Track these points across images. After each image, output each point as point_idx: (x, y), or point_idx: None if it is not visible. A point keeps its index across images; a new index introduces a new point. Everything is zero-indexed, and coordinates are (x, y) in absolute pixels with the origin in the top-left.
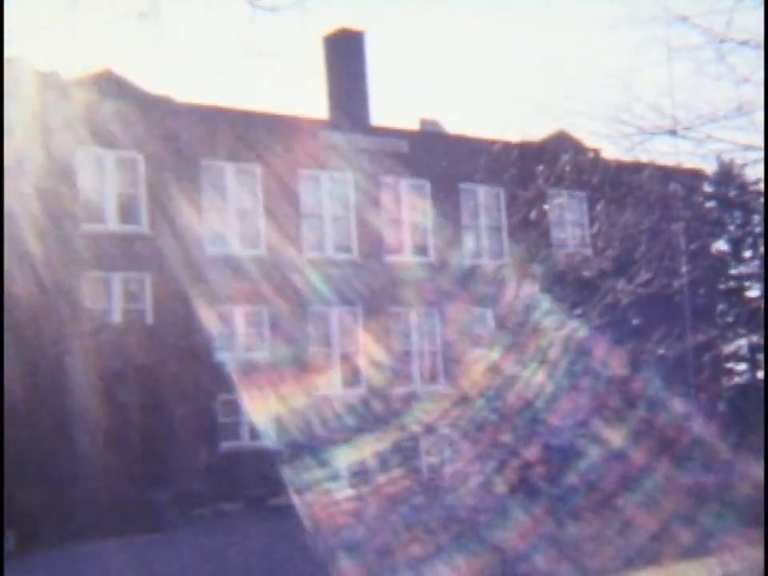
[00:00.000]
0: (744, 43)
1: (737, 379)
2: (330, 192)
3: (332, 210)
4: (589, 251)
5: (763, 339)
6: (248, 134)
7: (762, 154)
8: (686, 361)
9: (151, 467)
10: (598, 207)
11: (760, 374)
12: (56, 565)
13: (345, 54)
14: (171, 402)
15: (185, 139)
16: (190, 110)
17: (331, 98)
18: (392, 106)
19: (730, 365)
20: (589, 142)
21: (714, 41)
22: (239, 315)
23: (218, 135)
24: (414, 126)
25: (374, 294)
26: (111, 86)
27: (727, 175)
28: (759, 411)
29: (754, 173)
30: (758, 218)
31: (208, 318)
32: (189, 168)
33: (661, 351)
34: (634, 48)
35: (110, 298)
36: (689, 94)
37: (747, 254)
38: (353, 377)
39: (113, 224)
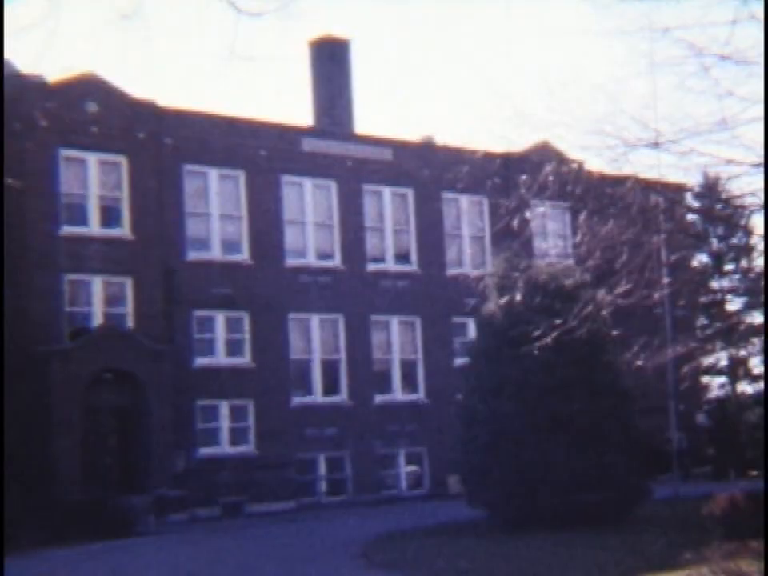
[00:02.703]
0: (726, 58)
1: (716, 393)
2: (312, 199)
3: (315, 217)
4: (571, 261)
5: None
6: (232, 139)
7: (744, 168)
8: (665, 373)
9: (128, 472)
10: (580, 218)
11: (739, 388)
12: (32, 569)
13: (330, 60)
14: (149, 406)
15: (168, 143)
16: (173, 114)
17: (315, 104)
18: (377, 114)
19: (708, 378)
20: (572, 152)
21: (696, 54)
22: (220, 320)
23: (202, 140)
24: (398, 134)
25: (355, 301)
26: (94, 88)
27: (710, 189)
28: (738, 425)
29: (737, 187)
30: (740, 233)
31: (188, 323)
32: (171, 172)
33: (640, 363)
34: (618, 60)
35: (89, 302)
36: (672, 107)
37: (728, 267)
38: (333, 384)
39: (94, 227)
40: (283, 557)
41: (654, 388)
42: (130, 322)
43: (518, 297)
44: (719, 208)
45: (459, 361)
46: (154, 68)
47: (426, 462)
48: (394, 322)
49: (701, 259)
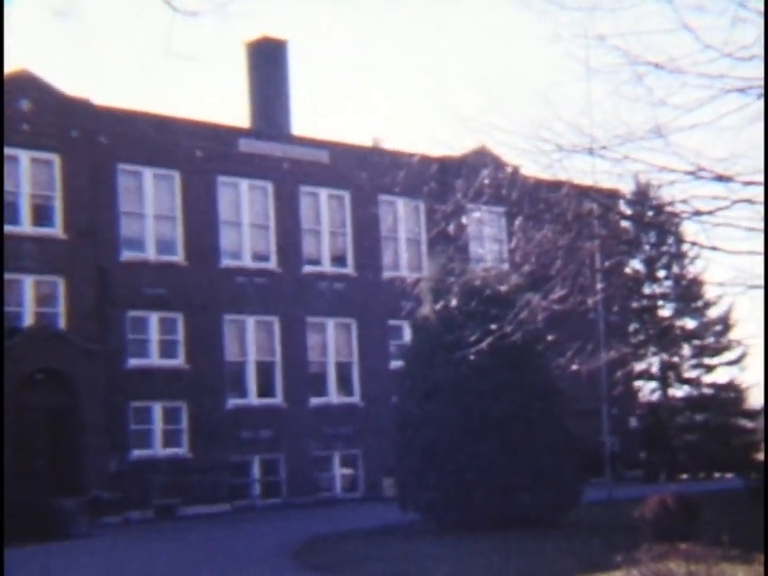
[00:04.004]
0: (660, 66)
1: (648, 397)
2: (248, 200)
3: (251, 219)
4: (506, 266)
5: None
6: (167, 138)
7: (677, 176)
8: (598, 378)
9: (60, 474)
10: (516, 223)
11: (670, 392)
12: None
13: (267, 61)
14: (81, 407)
15: (102, 142)
16: (108, 112)
17: (252, 105)
18: (316, 117)
19: (640, 382)
20: (509, 157)
21: (631, 62)
22: (154, 321)
23: (137, 139)
24: (336, 137)
25: (291, 303)
26: (27, 85)
27: (643, 196)
28: (669, 428)
29: (670, 194)
30: (672, 240)
31: (122, 323)
32: (106, 171)
33: (574, 368)
34: (556, 65)
35: (21, 301)
36: (607, 114)
37: (661, 273)
38: (268, 386)
39: (27, 225)
40: (217, 560)
41: (588, 392)
42: (63, 322)
43: (453, 301)
44: (652, 215)
45: (395, 364)
46: (89, 66)
47: (362, 464)
48: (330, 324)
49: (634, 265)
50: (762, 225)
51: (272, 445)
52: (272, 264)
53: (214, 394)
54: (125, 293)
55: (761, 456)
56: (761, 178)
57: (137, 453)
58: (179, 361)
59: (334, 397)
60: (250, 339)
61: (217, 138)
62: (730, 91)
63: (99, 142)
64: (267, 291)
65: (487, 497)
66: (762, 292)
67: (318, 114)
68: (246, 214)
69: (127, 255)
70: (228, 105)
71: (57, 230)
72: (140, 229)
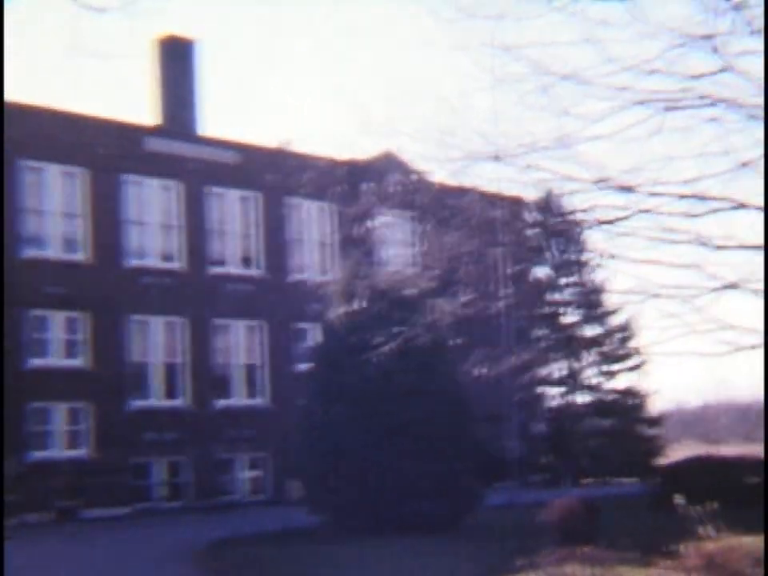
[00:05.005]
0: (566, 77)
1: (552, 402)
2: (155, 199)
3: (157, 218)
4: (414, 271)
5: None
6: (72, 135)
7: (582, 185)
8: (503, 383)
9: None
10: (423, 228)
11: (574, 398)
12: None
13: (175, 60)
14: None
15: (5, 137)
16: (12, 108)
17: (160, 104)
18: (224, 117)
19: (544, 388)
20: (417, 163)
21: (537, 72)
22: (56, 321)
23: (40, 135)
24: (247, 137)
25: (198, 304)
26: None
27: (548, 203)
28: (573, 434)
29: (573, 203)
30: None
31: (22, 322)
32: (8, 167)
33: (479, 373)
34: (464, 74)
35: None
36: (514, 123)
37: (565, 280)
38: (173, 388)
39: None
40: (116, 563)
41: (494, 397)
42: None
43: (361, 304)
44: (556, 223)
45: (302, 366)
46: None
47: (268, 467)
48: (237, 326)
49: (539, 272)
50: (662, 235)
51: (176, 447)
52: (179, 265)
53: (117, 395)
54: (26, 292)
55: (660, 461)
56: (662, 189)
57: (37, 454)
58: (82, 361)
59: (240, 399)
60: (156, 340)
61: (124, 137)
62: (633, 104)
63: (2, 138)
64: (173, 292)
65: (390, 501)
66: (662, 300)
67: (227, 114)
68: (152, 214)
69: (29, 253)
70: (136, 103)
71: None
72: (43, 227)
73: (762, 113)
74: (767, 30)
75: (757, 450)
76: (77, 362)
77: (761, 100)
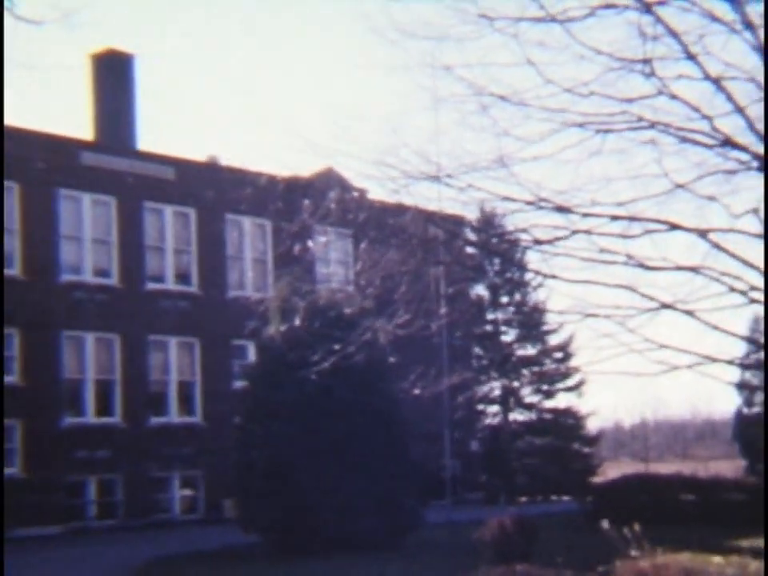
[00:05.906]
0: (505, 99)
1: (488, 421)
2: (90, 214)
3: (92, 233)
4: (352, 288)
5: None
6: (6, 149)
7: (519, 205)
8: (441, 402)
9: None
10: (362, 246)
11: (511, 416)
12: None
13: (112, 74)
14: None
15: None
16: None
17: (96, 118)
18: (164, 133)
19: (483, 406)
20: (356, 181)
21: (476, 93)
22: None
23: None
24: (183, 153)
25: (132, 320)
26: None
27: (486, 223)
28: (509, 452)
29: (512, 223)
30: (514, 267)
31: None
32: None
33: (417, 391)
34: (404, 94)
35: None
36: (453, 143)
37: (504, 300)
38: (107, 405)
39: None
40: None
41: (431, 415)
42: None
43: (298, 321)
44: (495, 242)
45: (238, 384)
46: None
47: (202, 485)
48: (173, 342)
49: (478, 291)
50: (598, 255)
51: (109, 465)
52: (114, 280)
53: (49, 411)
54: None
55: (595, 480)
56: (598, 210)
57: None
58: (14, 378)
59: (174, 416)
60: (89, 357)
61: (59, 150)
62: (570, 125)
63: None
64: (108, 308)
65: (328, 519)
66: (598, 320)
67: (165, 129)
68: (87, 229)
69: None
70: (72, 117)
71: None
72: None
73: (694, 136)
74: (767, 42)
75: (691, 467)
76: (9, 379)
77: (694, 124)
